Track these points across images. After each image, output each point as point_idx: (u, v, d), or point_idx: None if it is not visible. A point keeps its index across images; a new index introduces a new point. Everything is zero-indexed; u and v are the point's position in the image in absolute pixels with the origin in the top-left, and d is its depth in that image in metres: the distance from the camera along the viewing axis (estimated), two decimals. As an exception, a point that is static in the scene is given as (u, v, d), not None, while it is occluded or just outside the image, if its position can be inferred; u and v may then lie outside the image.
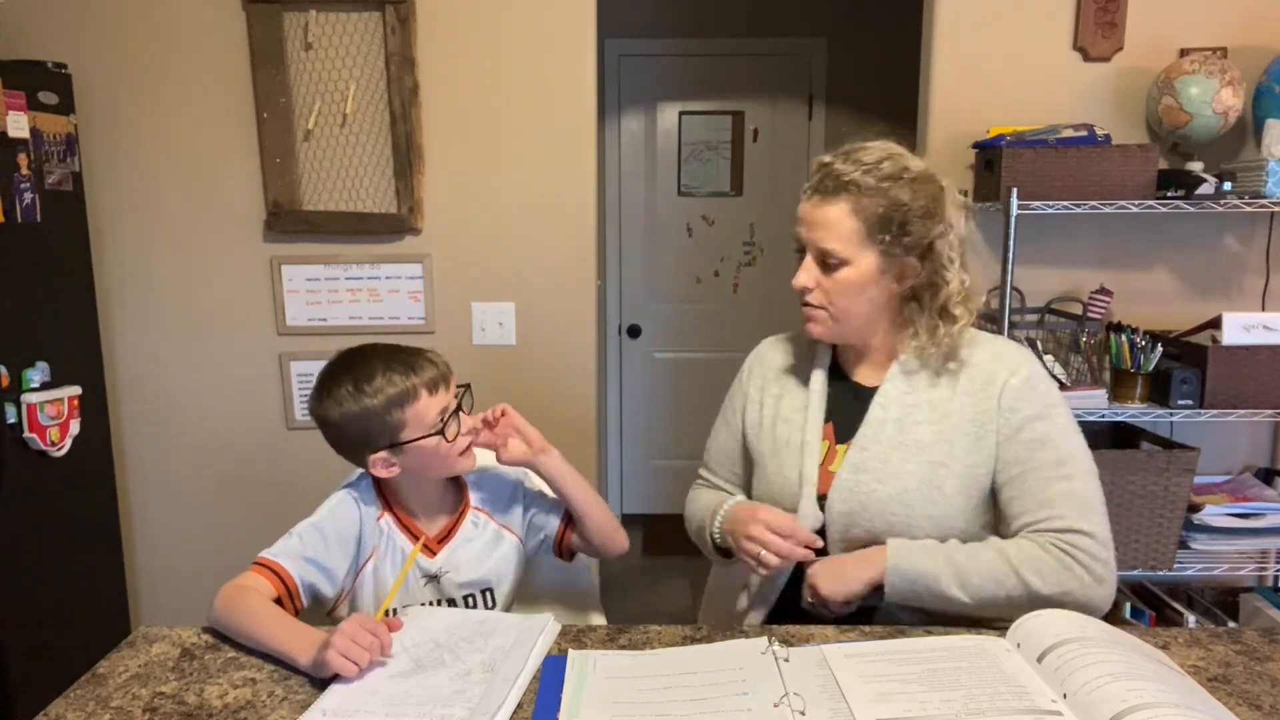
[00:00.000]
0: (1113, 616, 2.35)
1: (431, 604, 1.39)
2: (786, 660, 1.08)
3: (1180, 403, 2.06)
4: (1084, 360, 2.21)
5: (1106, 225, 2.31)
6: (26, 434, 2.08)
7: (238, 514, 2.53)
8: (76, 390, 2.22)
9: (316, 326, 2.43)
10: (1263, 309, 2.32)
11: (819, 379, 1.42)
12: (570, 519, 1.49)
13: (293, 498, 2.46)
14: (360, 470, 1.43)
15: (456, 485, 1.46)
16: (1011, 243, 2.05)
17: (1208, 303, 2.33)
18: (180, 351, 2.47)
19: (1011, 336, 2.14)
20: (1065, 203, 2.06)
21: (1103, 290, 2.22)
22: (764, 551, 1.27)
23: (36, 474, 2.13)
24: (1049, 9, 2.26)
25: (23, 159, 2.06)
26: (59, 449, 2.18)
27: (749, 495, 1.49)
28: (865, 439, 1.34)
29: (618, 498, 4.25)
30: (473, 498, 1.46)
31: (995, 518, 1.33)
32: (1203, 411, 2.06)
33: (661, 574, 3.68)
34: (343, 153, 2.36)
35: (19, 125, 2.04)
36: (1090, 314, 2.20)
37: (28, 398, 2.08)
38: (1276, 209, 2.09)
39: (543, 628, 1.18)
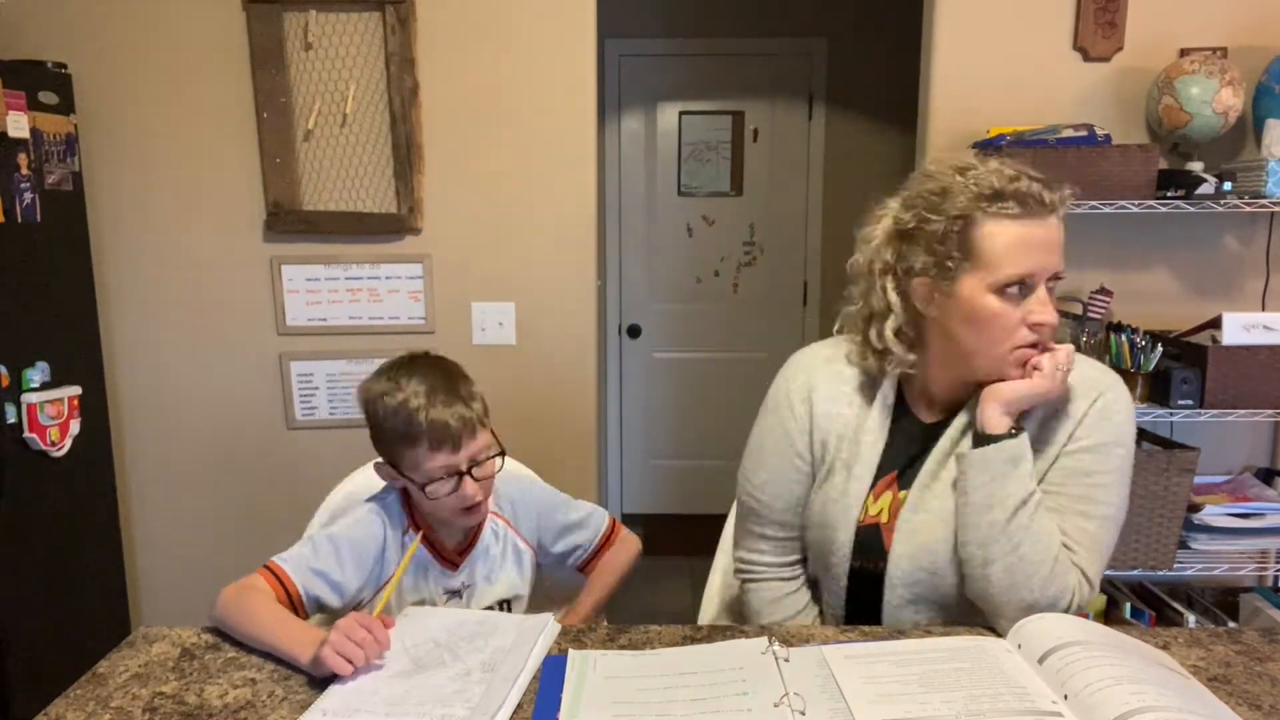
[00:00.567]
0: (1113, 617, 2.36)
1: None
2: (786, 660, 1.08)
3: (1180, 403, 2.06)
4: (1084, 360, 2.21)
5: (1106, 225, 2.31)
6: (26, 434, 2.08)
7: (238, 514, 2.53)
8: (76, 390, 2.22)
9: (316, 326, 2.43)
10: (1263, 309, 2.32)
11: (879, 421, 1.30)
12: (606, 539, 1.53)
13: (293, 497, 2.48)
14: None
15: None
16: (1011, 243, 2.05)
17: (1208, 303, 2.33)
18: (180, 351, 2.47)
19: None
20: (1065, 203, 2.06)
21: (1103, 290, 2.22)
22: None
23: (36, 474, 2.13)
24: (1049, 9, 2.26)
25: (23, 159, 2.05)
26: (59, 449, 2.17)
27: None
28: (929, 491, 1.27)
29: (618, 498, 4.26)
30: (491, 503, 1.46)
31: None
32: (1203, 411, 2.06)
33: (661, 574, 3.67)
34: (343, 153, 2.36)
35: (19, 125, 2.04)
36: (1090, 314, 2.20)
37: (28, 398, 2.08)
38: (1276, 209, 2.09)
39: (543, 627, 1.18)
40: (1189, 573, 2.20)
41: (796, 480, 1.35)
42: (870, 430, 1.30)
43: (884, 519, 1.29)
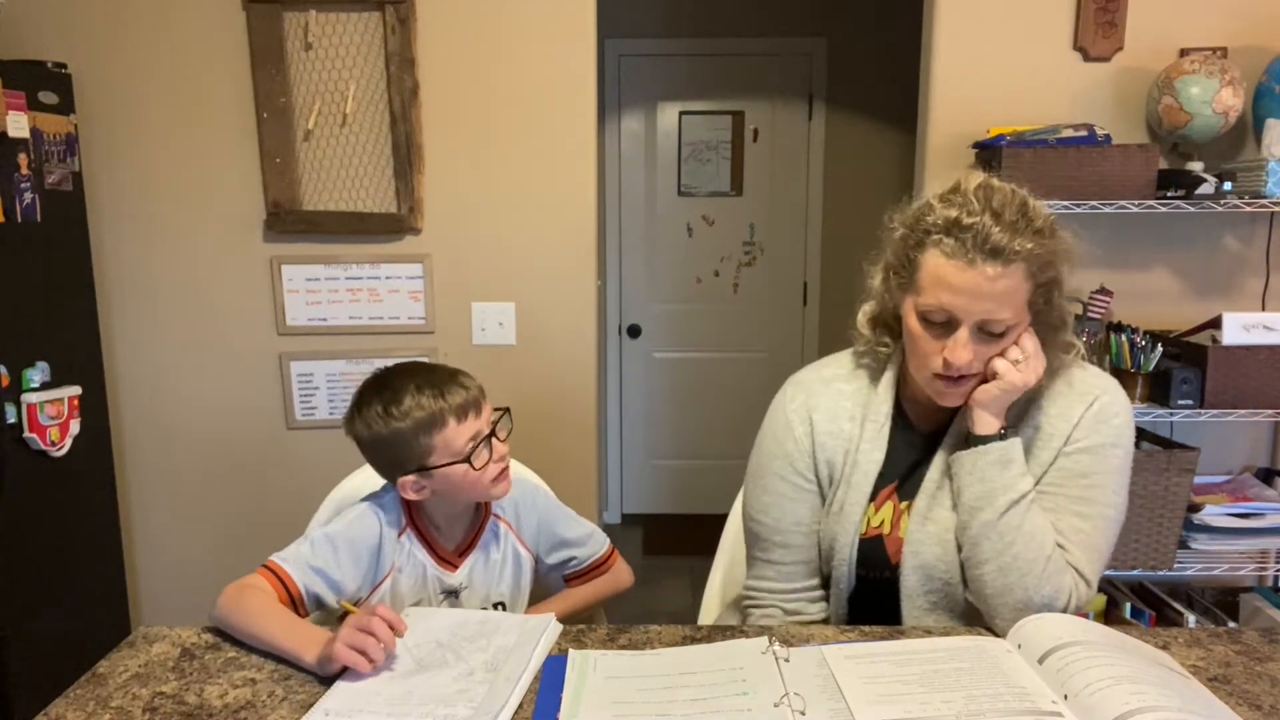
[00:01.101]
0: (1113, 617, 2.36)
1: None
2: (787, 660, 1.08)
3: (1180, 403, 2.06)
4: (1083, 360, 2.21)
5: (1106, 225, 2.31)
6: (26, 434, 2.08)
7: (238, 514, 2.53)
8: (76, 390, 2.22)
9: (316, 326, 2.43)
10: (1263, 309, 2.32)
11: (879, 436, 1.31)
12: (603, 562, 1.54)
13: (293, 497, 2.48)
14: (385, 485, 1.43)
15: (477, 509, 1.46)
16: (1011, 243, 2.05)
17: (1208, 303, 2.33)
18: (180, 351, 2.47)
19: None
20: (1065, 203, 2.06)
21: (1103, 290, 2.22)
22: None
23: (36, 474, 2.13)
24: (1049, 9, 2.26)
25: (23, 159, 2.05)
26: (59, 449, 2.17)
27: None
28: (931, 501, 1.27)
29: (618, 498, 4.25)
30: (494, 504, 1.46)
31: None
32: (1203, 411, 2.06)
33: (661, 574, 3.67)
34: (343, 153, 2.36)
35: (19, 125, 2.04)
36: (1090, 314, 2.20)
37: (28, 398, 2.08)
38: (1276, 209, 2.09)
39: (544, 627, 1.18)
40: (1189, 573, 2.20)
41: (799, 501, 1.33)
42: (869, 441, 1.30)
43: (885, 529, 1.30)
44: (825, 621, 1.36)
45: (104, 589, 2.42)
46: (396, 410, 1.30)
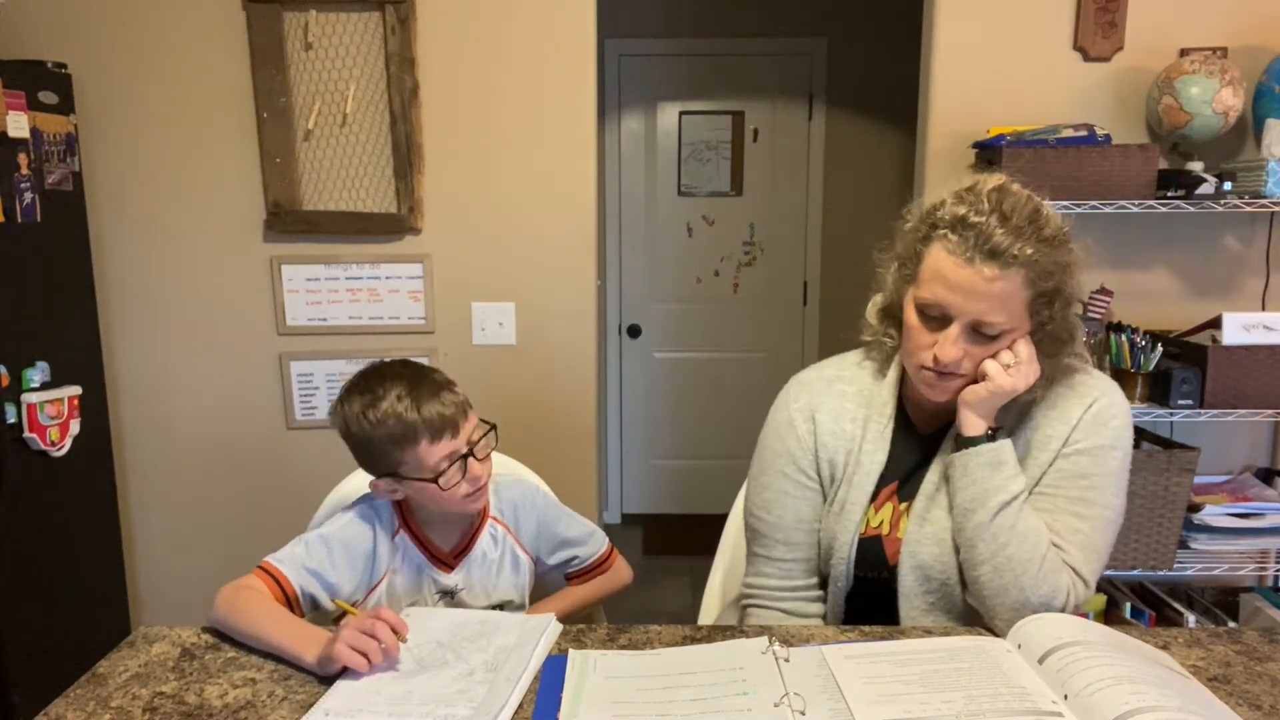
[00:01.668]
0: (1113, 617, 2.36)
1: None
2: (787, 660, 1.08)
3: (1180, 403, 2.06)
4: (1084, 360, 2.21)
5: (1106, 225, 2.31)
6: (26, 434, 2.08)
7: (238, 514, 2.53)
8: (76, 390, 2.22)
9: (316, 326, 2.43)
10: (1263, 309, 2.32)
11: (882, 437, 1.31)
12: (603, 561, 1.54)
13: (293, 497, 2.48)
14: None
15: None
16: (1011, 243, 2.05)
17: (1208, 303, 2.33)
18: (180, 351, 2.47)
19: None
20: (1065, 203, 2.06)
21: (1103, 290, 2.22)
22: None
23: (36, 474, 2.13)
24: (1049, 9, 2.26)
25: (23, 159, 2.05)
26: (59, 449, 2.17)
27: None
28: (928, 505, 1.28)
29: (618, 498, 4.25)
30: (492, 504, 1.46)
31: None
32: (1203, 411, 2.06)
33: (661, 574, 3.68)
34: (343, 153, 2.36)
35: (19, 125, 2.04)
36: (1090, 314, 2.20)
37: (28, 398, 2.08)
38: (1276, 209, 2.09)
39: (545, 627, 1.18)
40: (1189, 573, 2.20)
41: (801, 498, 1.33)
42: (871, 442, 1.31)
43: (885, 530, 1.30)
44: (823, 620, 1.36)
45: (104, 589, 2.42)
46: (373, 415, 1.28)
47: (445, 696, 1.03)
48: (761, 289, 4.04)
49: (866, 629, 1.23)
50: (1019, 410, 1.27)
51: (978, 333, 1.17)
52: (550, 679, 1.08)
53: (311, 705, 1.03)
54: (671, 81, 3.91)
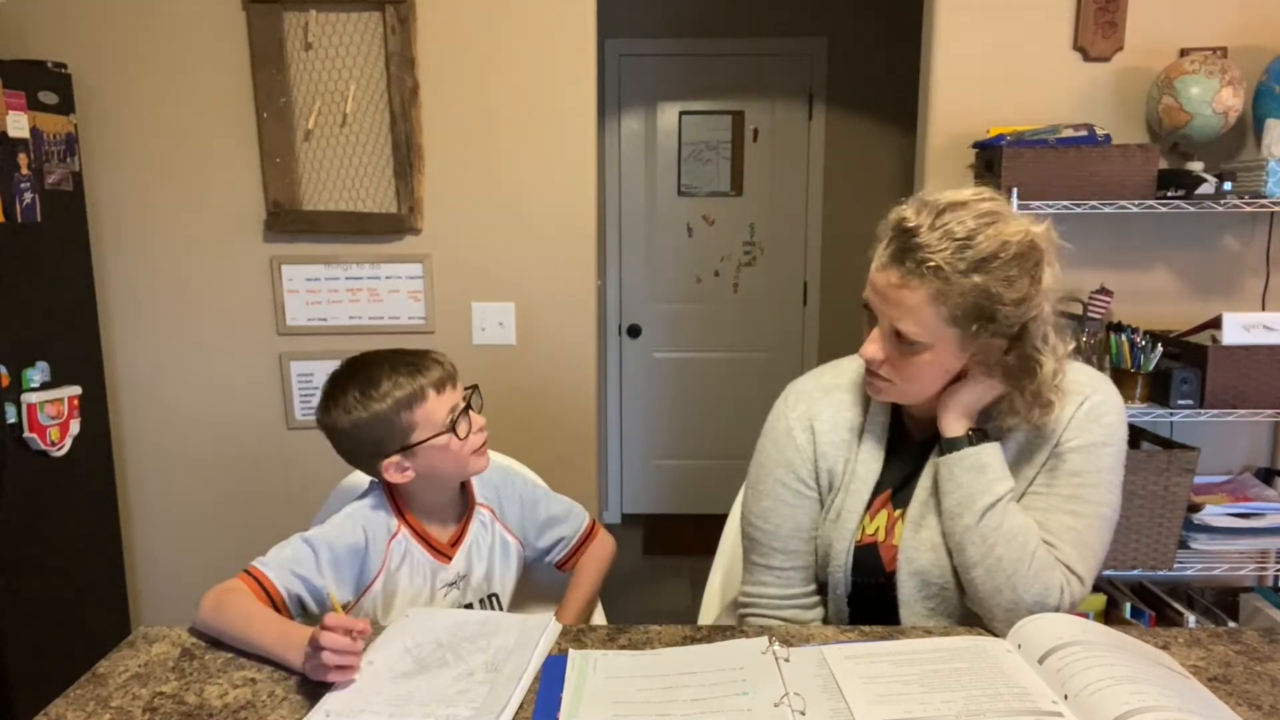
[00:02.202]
0: (1113, 617, 2.36)
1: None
2: (787, 660, 1.08)
3: (1180, 403, 2.06)
4: (1084, 360, 2.21)
5: (1106, 225, 2.31)
6: (26, 434, 2.08)
7: (238, 514, 2.53)
8: (76, 390, 2.22)
9: (316, 326, 2.43)
10: (1263, 309, 2.32)
11: (876, 448, 1.31)
12: (587, 535, 1.55)
13: (293, 497, 2.48)
14: (370, 481, 1.43)
15: (463, 486, 1.47)
16: (1011, 243, 2.05)
17: (1208, 303, 2.33)
18: (180, 351, 2.47)
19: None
20: (1065, 202, 2.06)
21: (1103, 290, 2.22)
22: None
23: (36, 474, 2.13)
24: (1049, 9, 2.26)
25: (23, 159, 2.05)
26: (59, 449, 2.17)
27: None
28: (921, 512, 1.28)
29: (618, 498, 4.25)
30: (477, 492, 1.48)
31: None
32: (1203, 411, 2.06)
33: (661, 574, 3.68)
34: (343, 153, 2.36)
35: (19, 125, 2.04)
36: (1090, 314, 2.20)
37: (28, 398, 2.08)
38: (1276, 209, 2.09)
39: (545, 627, 1.19)
40: (1189, 573, 2.20)
41: (799, 506, 1.33)
42: (867, 451, 1.31)
43: (880, 537, 1.30)
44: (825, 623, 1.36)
45: (104, 589, 2.42)
46: (375, 393, 1.30)
47: (446, 697, 1.03)
48: (761, 289, 4.04)
49: (867, 629, 1.23)
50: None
51: (900, 339, 1.17)
52: (550, 679, 1.08)
53: (312, 705, 1.03)
54: (671, 81, 3.91)
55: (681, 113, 3.94)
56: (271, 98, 2.31)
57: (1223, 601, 2.35)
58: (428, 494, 1.40)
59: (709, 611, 1.68)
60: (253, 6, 2.27)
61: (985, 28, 2.27)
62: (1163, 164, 2.15)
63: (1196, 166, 2.13)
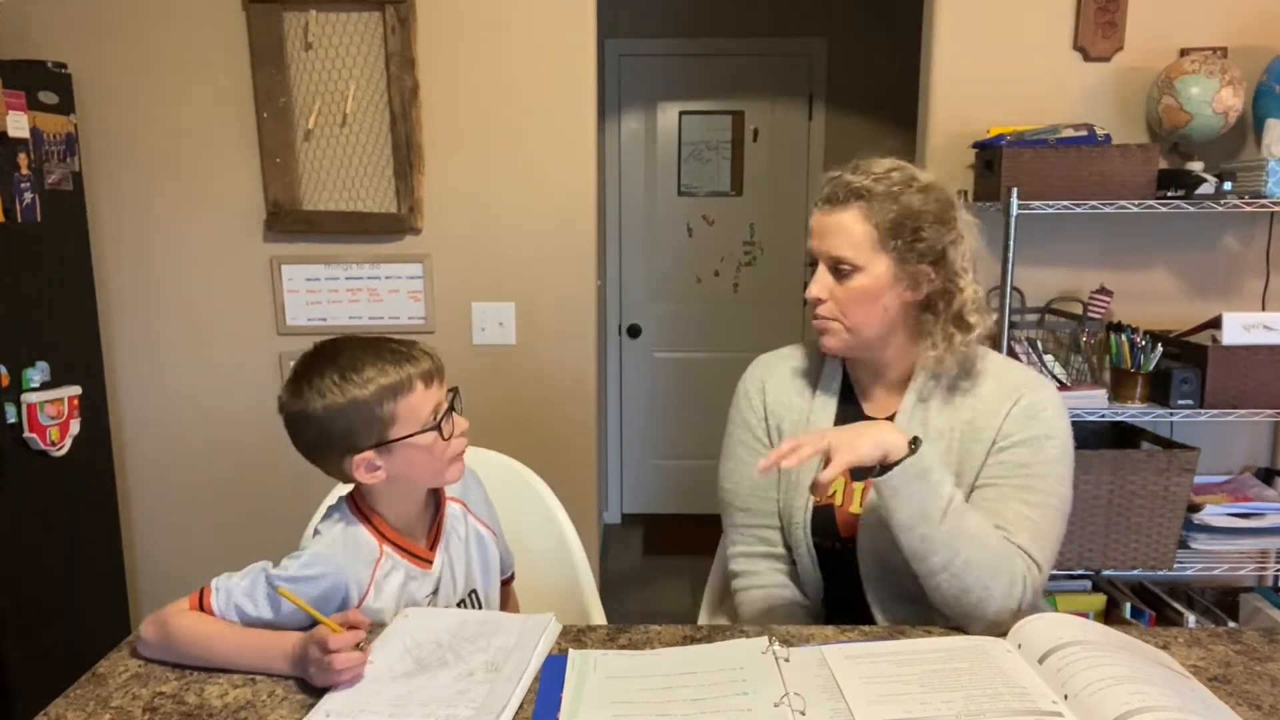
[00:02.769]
0: (1113, 617, 2.36)
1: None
2: (787, 660, 1.08)
3: (1180, 403, 2.06)
4: (1084, 360, 2.21)
5: (1106, 225, 2.31)
6: (26, 434, 2.08)
7: (238, 514, 2.53)
8: (76, 390, 2.22)
9: (316, 326, 2.43)
10: (1263, 309, 2.32)
11: (827, 409, 1.40)
12: (512, 576, 1.50)
13: (292, 497, 2.48)
14: (332, 504, 1.31)
15: (434, 494, 1.35)
16: (1011, 242, 2.05)
17: (1208, 303, 2.33)
18: (180, 351, 2.47)
19: (1011, 337, 2.14)
20: (1065, 202, 2.06)
21: (1103, 290, 2.22)
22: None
23: (36, 474, 2.13)
24: (1049, 9, 2.26)
25: (23, 159, 2.06)
26: (59, 449, 2.17)
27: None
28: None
29: (618, 498, 4.25)
30: (448, 489, 1.36)
31: None
32: (1203, 411, 2.06)
33: (661, 574, 3.68)
34: (343, 153, 2.36)
35: (19, 125, 2.04)
36: (1090, 314, 2.20)
37: (28, 398, 2.08)
38: (1276, 209, 2.09)
39: (544, 627, 1.18)
40: (1189, 573, 2.20)
41: (755, 465, 1.34)
42: (818, 413, 1.40)
43: (838, 501, 1.36)
44: (801, 594, 1.40)
45: (104, 589, 2.42)
46: (356, 377, 1.16)
47: (446, 697, 1.03)
48: (761, 289, 4.04)
49: (867, 629, 1.23)
50: (944, 396, 1.33)
51: (836, 271, 1.31)
52: (550, 679, 1.08)
53: (311, 705, 1.03)
54: (671, 81, 3.91)
55: (681, 113, 3.94)
56: (271, 98, 2.31)
57: (1223, 601, 2.35)
58: (397, 502, 1.27)
59: (709, 611, 1.68)
60: (253, 6, 2.27)
61: (985, 28, 2.27)
62: (1163, 164, 2.15)
63: (1196, 166, 2.13)
